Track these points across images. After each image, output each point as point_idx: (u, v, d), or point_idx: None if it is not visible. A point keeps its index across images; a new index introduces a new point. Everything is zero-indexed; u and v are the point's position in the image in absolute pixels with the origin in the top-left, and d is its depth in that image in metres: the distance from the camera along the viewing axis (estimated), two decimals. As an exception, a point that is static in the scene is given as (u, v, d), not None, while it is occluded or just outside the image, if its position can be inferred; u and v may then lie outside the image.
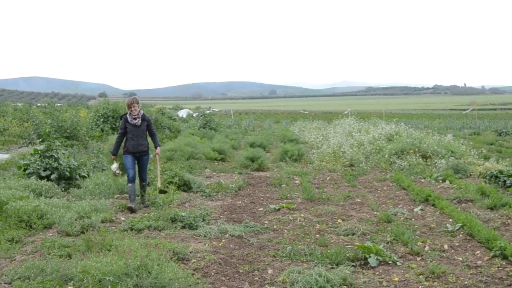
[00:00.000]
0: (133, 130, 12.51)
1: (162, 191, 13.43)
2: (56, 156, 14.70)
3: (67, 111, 38.59)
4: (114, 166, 12.92)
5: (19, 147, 25.78)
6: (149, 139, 13.12)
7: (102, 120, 29.68)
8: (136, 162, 12.78)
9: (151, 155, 13.64)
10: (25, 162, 15.04)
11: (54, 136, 17.72)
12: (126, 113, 12.67)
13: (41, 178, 14.04)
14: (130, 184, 12.39)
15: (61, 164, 14.59)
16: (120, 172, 13.42)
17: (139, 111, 12.63)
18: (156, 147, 13.08)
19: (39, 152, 14.86)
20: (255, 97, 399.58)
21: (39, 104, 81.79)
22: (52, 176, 14.27)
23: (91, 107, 55.70)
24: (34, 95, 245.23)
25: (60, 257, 8.17)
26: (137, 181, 12.88)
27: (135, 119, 12.50)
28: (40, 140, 21.66)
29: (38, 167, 14.43)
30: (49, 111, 31.82)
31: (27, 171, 14.56)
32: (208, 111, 45.58)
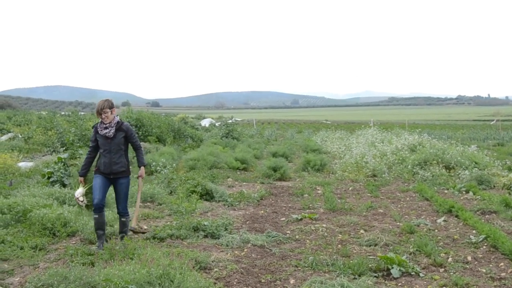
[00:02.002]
0: (105, 144, 9.58)
1: (136, 231, 10.47)
2: (79, 165, 14.80)
3: (90, 119, 38.83)
4: (79, 191, 10.12)
5: (43, 155, 25.94)
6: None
7: (125, 129, 29.79)
8: (112, 187, 9.89)
9: (137, 177, 10.58)
10: (49, 170, 15.15)
11: (78, 144, 17.85)
12: (98, 123, 9.80)
13: (65, 186, 14.15)
14: (95, 215, 9.59)
15: (84, 173, 14.69)
16: (85, 201, 10.25)
17: (114, 117, 9.68)
18: (139, 166, 10.20)
19: (63, 160, 14.97)
20: (277, 106, 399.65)
21: (63, 113, 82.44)
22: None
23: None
24: (58, 104, 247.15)
25: (83, 265, 8.21)
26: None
27: (106, 128, 9.57)
28: (64, 148, 21.84)
29: (61, 175, 14.54)
30: (73, 120, 32.11)
31: (51, 179, 14.67)
32: (230, 121, 45.74)
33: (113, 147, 9.63)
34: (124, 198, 9.92)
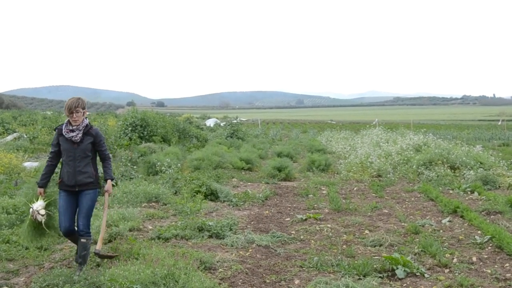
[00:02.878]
0: (69, 150, 8.14)
1: (101, 256, 8.51)
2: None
3: (95, 119, 38.89)
4: (37, 204, 8.34)
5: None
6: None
7: (130, 129, 29.82)
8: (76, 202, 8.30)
9: (105, 191, 8.66)
10: (54, 170, 15.16)
11: (83, 144, 17.86)
12: (62, 124, 8.40)
13: (70, 186, 14.14)
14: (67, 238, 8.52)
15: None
16: (44, 215, 8.40)
17: (83, 120, 8.32)
18: (106, 179, 8.61)
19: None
20: (282, 106, 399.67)
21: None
22: (81, 184, 14.36)
23: (120, 116, 56.06)
24: (63, 104, 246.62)
25: (88, 265, 8.23)
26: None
27: (72, 131, 8.17)
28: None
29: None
30: (78, 120, 32.09)
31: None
32: (235, 121, 45.75)
33: (79, 153, 8.16)
34: (87, 213, 8.27)
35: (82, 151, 8.20)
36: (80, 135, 8.19)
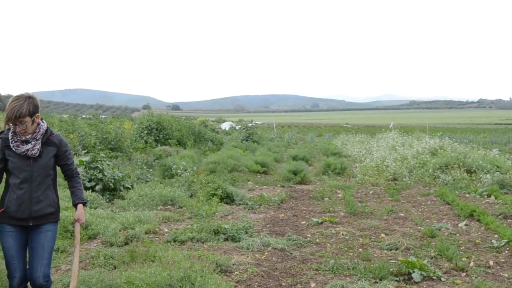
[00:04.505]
0: (22, 168, 5.83)
1: None
2: (101, 168, 14.88)
3: (111, 123, 39.00)
4: None
5: (65, 158, 26.01)
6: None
7: (146, 132, 29.93)
8: (28, 242, 6.02)
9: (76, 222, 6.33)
10: (70, 173, 15.23)
11: (99, 147, 17.95)
12: (3, 131, 6.01)
13: (86, 189, 14.21)
14: None
15: (105, 176, 14.75)
16: None
17: (39, 125, 5.95)
18: (76, 204, 6.33)
19: (84, 163, 15.06)
20: (297, 110, 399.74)
21: (84, 116, 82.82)
22: (97, 187, 14.43)
23: (135, 119, 56.24)
24: (79, 107, 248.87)
25: (104, 267, 8.27)
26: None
27: (26, 142, 5.82)
28: (85, 151, 21.97)
29: (83, 178, 14.61)
30: (94, 123, 32.23)
31: (72, 182, 14.72)
32: (250, 124, 45.75)
33: (37, 173, 5.82)
34: (48, 258, 6.01)
35: (42, 169, 5.85)
36: (38, 146, 5.80)
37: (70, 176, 6.35)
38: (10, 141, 5.77)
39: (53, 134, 6.03)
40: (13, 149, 5.75)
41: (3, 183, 5.99)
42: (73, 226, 6.37)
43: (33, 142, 5.81)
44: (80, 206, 6.27)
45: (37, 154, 5.82)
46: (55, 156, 6.02)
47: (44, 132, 5.91)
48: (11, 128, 5.75)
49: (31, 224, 5.88)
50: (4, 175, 5.96)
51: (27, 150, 5.77)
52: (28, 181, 5.80)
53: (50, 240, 6.01)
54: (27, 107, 5.65)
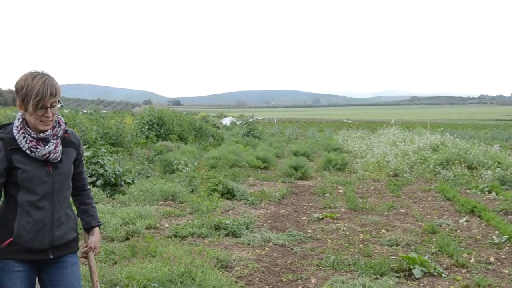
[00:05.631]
0: (40, 179, 4.04)
1: None
2: (102, 163, 14.88)
3: (112, 118, 39.04)
4: None
5: (66, 153, 26.04)
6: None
7: (147, 127, 29.97)
8: (44, 284, 4.30)
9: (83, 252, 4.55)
10: (71, 168, 15.24)
11: (100, 142, 17.95)
12: (7, 127, 4.11)
13: (87, 184, 14.20)
14: None
15: (106, 171, 14.76)
16: None
17: (58, 118, 4.23)
18: (89, 228, 4.55)
19: (85, 158, 15.06)
20: (298, 105, 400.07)
21: (85, 111, 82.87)
22: (98, 182, 14.44)
23: (136, 114, 56.26)
24: (80, 102, 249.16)
25: (105, 263, 8.27)
26: None
27: (44, 141, 4.05)
28: (86, 146, 22.01)
29: (84, 173, 14.61)
30: (95, 118, 32.30)
31: (73, 177, 14.73)
32: (251, 119, 45.74)
33: (59, 185, 4.15)
34: None
35: (63, 178, 4.19)
36: (60, 147, 4.14)
37: (82, 189, 4.56)
38: (21, 140, 3.98)
39: (72, 133, 4.39)
40: (28, 151, 3.98)
41: None
42: (85, 256, 4.54)
43: (53, 141, 4.08)
44: (96, 230, 4.56)
45: (59, 158, 4.12)
46: (75, 162, 4.37)
47: (63, 129, 4.22)
48: (16, 122, 4.06)
49: (51, 256, 4.17)
50: None
51: (49, 152, 4.03)
52: (49, 196, 4.06)
53: (78, 278, 4.38)
54: (56, 87, 4.00)
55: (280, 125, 69.76)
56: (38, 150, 4.00)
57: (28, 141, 3.99)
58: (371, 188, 17.30)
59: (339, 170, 21.63)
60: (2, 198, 4.12)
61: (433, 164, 19.82)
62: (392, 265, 8.46)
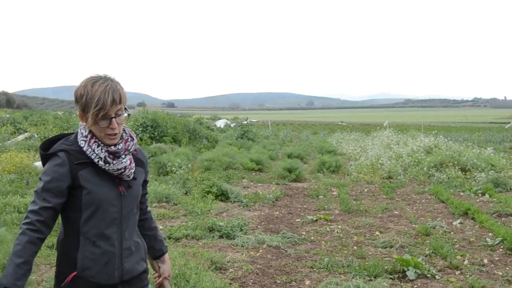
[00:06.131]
0: (110, 200, 3.38)
1: None
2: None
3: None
4: None
5: (59, 155, 26.05)
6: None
7: (141, 129, 29.91)
8: None
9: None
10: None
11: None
12: (67, 137, 3.50)
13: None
14: None
15: (100, 172, 14.73)
16: None
17: (126, 130, 3.55)
18: (160, 256, 4.02)
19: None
20: (292, 108, 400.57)
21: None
22: (92, 184, 14.40)
23: (130, 116, 56.16)
24: (74, 104, 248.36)
25: (99, 264, 8.27)
26: None
27: (116, 154, 3.39)
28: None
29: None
30: (89, 120, 32.19)
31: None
32: (245, 122, 45.75)
33: (128, 209, 3.53)
34: None
35: (133, 201, 3.57)
36: (134, 164, 3.55)
37: (144, 212, 3.89)
38: (94, 150, 3.36)
39: (138, 148, 3.78)
40: (102, 162, 3.36)
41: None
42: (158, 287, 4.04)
43: (125, 155, 3.48)
44: (167, 256, 4.07)
45: (132, 176, 3.52)
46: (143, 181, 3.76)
47: (133, 142, 3.57)
48: (83, 132, 3.42)
49: None
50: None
51: (125, 167, 3.44)
52: (117, 223, 3.45)
53: None
54: (122, 90, 3.42)
55: (274, 128, 69.75)
56: (113, 165, 3.38)
57: (103, 150, 3.37)
58: (365, 190, 17.32)
59: (333, 172, 21.64)
60: (60, 223, 3.51)
61: (427, 167, 19.86)
62: (386, 267, 8.48)
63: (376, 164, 21.49)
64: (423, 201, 15.14)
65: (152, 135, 29.54)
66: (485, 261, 9.03)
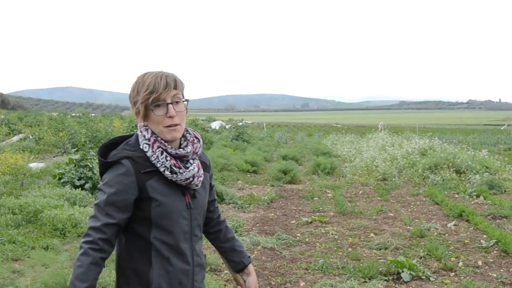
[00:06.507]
0: (179, 212, 3.03)
1: None
2: (90, 166, 14.85)
3: (101, 121, 38.97)
4: None
5: (54, 156, 26.06)
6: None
7: (136, 130, 29.95)
8: None
9: None
10: (60, 171, 15.20)
11: (89, 146, 17.95)
12: (124, 138, 3.12)
13: (76, 187, 14.17)
14: None
15: (95, 174, 14.71)
16: None
17: (195, 133, 3.20)
18: (242, 267, 3.50)
19: (74, 161, 15.02)
20: (287, 109, 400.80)
21: (74, 114, 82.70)
22: (86, 186, 14.40)
23: (125, 117, 56.17)
24: (69, 105, 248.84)
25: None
26: None
27: (183, 159, 3.02)
28: (75, 149, 21.95)
29: (72, 176, 14.58)
30: (84, 121, 32.27)
31: (61, 180, 14.71)
32: (240, 123, 45.73)
33: (197, 221, 3.19)
34: None
35: (200, 212, 3.23)
36: (202, 171, 3.18)
37: (218, 222, 3.55)
38: (158, 158, 2.96)
39: (203, 153, 3.39)
40: (168, 172, 2.97)
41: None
42: None
43: (194, 161, 3.10)
44: (251, 267, 3.58)
45: (200, 184, 3.14)
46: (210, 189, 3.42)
47: (199, 150, 3.19)
48: (145, 134, 3.01)
49: None
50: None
51: (193, 176, 3.05)
52: (187, 237, 3.11)
53: None
54: (178, 77, 3.02)
55: (269, 129, 69.71)
56: (181, 174, 2.99)
57: (168, 159, 2.96)
58: (360, 192, 17.33)
59: (328, 174, 21.63)
60: (123, 240, 3.09)
61: (421, 169, 19.87)
62: (380, 269, 8.48)
63: (371, 166, 21.50)
64: (418, 203, 15.15)
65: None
66: (480, 263, 9.04)
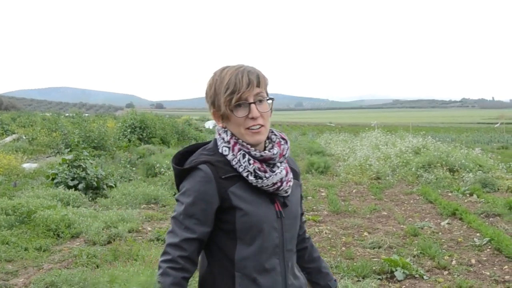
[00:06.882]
0: (269, 222, 2.63)
1: None
2: (83, 166, 14.83)
3: (94, 121, 38.90)
4: None
5: (47, 157, 26.01)
6: None
7: (129, 130, 29.89)
8: None
9: None
10: (53, 171, 15.19)
11: (82, 146, 17.94)
12: (201, 145, 2.86)
13: (69, 187, 14.16)
14: None
15: (88, 174, 14.71)
16: None
17: (281, 134, 2.83)
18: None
19: (67, 161, 15.01)
20: (281, 109, 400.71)
21: (67, 114, 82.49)
22: (80, 186, 14.39)
23: (119, 118, 56.12)
24: (62, 105, 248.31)
25: (87, 266, 8.24)
26: None
27: (269, 162, 2.64)
28: (68, 150, 21.92)
29: (66, 176, 14.57)
30: (77, 121, 32.19)
31: (55, 181, 14.69)
32: (234, 123, 45.54)
33: (290, 233, 2.76)
34: None
35: (293, 223, 2.82)
36: (291, 175, 2.79)
37: (303, 238, 3.15)
38: (240, 161, 2.63)
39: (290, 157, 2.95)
40: (252, 177, 2.62)
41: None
42: None
43: (281, 165, 2.73)
44: None
45: (289, 191, 2.78)
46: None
47: (284, 143, 2.81)
48: (224, 136, 2.72)
49: None
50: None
51: (281, 180, 2.69)
52: (279, 252, 2.71)
53: None
54: (261, 72, 2.71)
55: (263, 129, 69.54)
56: (267, 178, 2.62)
57: (251, 162, 2.62)
58: (354, 191, 17.33)
59: (321, 173, 21.62)
60: (202, 257, 2.76)
61: (415, 167, 19.88)
62: (374, 268, 8.49)
63: (364, 164, 21.51)
64: (411, 201, 15.17)
65: (141, 137, 29.53)
66: (473, 261, 9.06)
